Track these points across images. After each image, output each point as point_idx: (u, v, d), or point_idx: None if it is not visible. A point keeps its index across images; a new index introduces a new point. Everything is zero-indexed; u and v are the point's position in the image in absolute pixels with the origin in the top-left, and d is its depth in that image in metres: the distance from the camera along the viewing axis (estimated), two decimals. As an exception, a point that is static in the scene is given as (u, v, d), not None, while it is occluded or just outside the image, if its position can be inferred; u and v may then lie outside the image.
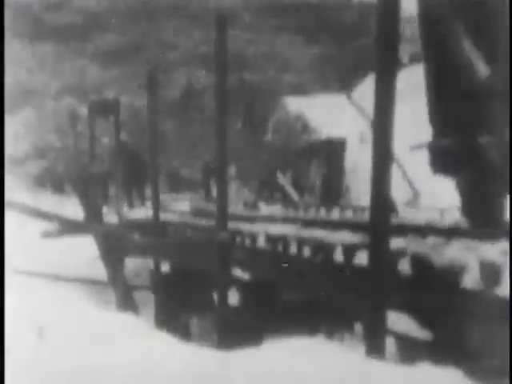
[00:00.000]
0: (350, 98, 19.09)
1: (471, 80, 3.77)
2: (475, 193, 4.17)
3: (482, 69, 3.71)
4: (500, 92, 3.56)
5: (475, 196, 4.20)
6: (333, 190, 16.47)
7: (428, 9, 3.91)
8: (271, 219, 7.03)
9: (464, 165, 3.91)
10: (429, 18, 3.88)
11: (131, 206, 13.22)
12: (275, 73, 21.71)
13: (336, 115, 17.43)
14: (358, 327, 5.08)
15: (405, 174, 13.81)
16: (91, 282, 9.05)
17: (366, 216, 5.34)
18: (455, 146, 3.92)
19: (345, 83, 20.13)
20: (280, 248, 5.40)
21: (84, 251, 10.15)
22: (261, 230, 5.99)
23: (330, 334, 5.47)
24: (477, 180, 3.99)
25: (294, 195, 17.24)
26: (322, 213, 8.55)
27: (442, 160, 4.10)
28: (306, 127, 17.87)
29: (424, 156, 4.35)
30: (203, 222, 8.08)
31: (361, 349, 3.93)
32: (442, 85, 4.09)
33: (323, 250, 4.70)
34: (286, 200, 16.60)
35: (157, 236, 8.77)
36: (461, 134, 3.89)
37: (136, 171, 13.30)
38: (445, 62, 3.97)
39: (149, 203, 10.23)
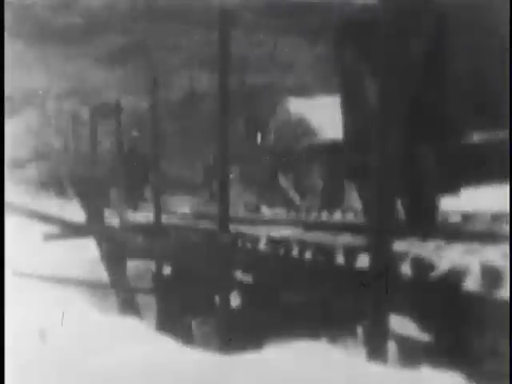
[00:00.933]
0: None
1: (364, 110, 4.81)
2: (372, 197, 4.80)
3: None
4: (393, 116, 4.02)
5: (371, 199, 4.82)
6: (334, 193, 16.45)
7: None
8: (273, 222, 7.03)
9: (362, 175, 4.76)
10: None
11: (133, 208, 13.22)
12: (277, 74, 21.71)
13: (338, 117, 17.39)
14: (360, 330, 5.08)
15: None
16: (93, 285, 9.05)
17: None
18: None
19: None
20: (282, 251, 5.38)
21: (86, 254, 10.16)
22: (262, 232, 5.98)
23: (331, 338, 5.46)
24: (373, 186, 4.56)
25: (296, 198, 17.23)
26: (324, 215, 8.54)
27: (349, 171, 5.32)
28: (307, 129, 17.85)
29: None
30: (205, 224, 8.08)
31: (362, 352, 3.92)
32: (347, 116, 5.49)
33: (325, 252, 4.69)
34: (288, 202, 16.59)
35: (158, 238, 8.77)
36: (360, 151, 4.82)
37: (138, 174, 13.30)
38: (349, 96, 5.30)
39: (150, 205, 10.23)
